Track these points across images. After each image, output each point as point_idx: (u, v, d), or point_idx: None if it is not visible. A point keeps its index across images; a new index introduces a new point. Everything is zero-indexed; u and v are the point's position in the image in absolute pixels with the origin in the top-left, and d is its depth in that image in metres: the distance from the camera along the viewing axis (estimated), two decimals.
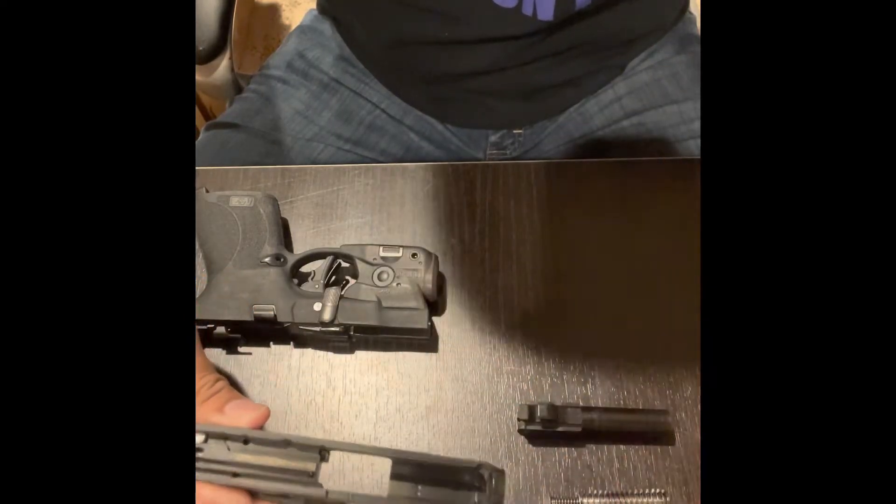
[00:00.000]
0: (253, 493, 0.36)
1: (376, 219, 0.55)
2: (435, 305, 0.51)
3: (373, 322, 0.47)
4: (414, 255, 0.49)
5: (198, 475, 0.35)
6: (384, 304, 0.48)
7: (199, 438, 0.35)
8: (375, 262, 0.49)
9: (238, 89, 0.81)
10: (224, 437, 0.36)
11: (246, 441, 0.36)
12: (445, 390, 0.49)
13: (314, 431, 0.47)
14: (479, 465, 0.37)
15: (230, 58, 0.79)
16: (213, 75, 0.79)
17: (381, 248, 0.50)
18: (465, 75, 0.65)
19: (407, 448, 0.46)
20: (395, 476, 0.38)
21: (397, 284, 0.48)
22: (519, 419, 0.45)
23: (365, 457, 0.46)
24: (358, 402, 0.48)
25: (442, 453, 0.46)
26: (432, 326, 0.50)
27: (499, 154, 0.74)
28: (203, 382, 0.40)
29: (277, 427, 0.48)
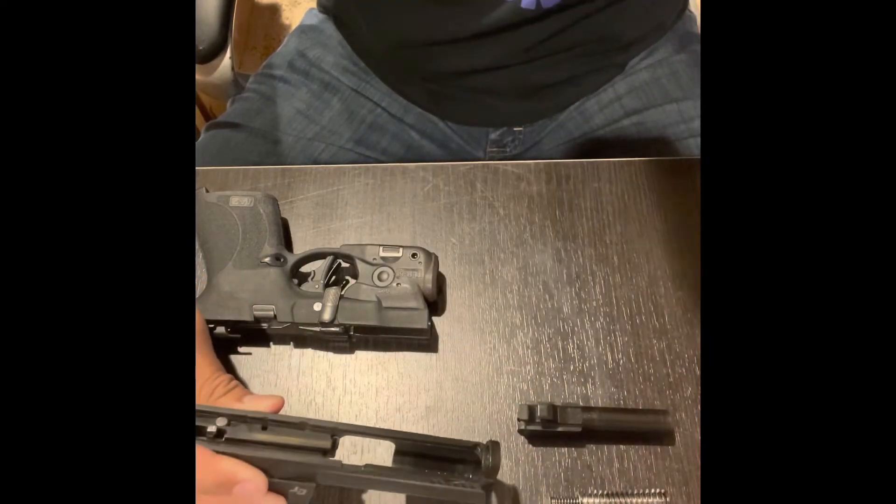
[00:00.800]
0: (269, 475, 0.37)
1: (376, 219, 0.55)
2: (435, 305, 0.51)
3: (373, 322, 0.47)
4: (414, 255, 0.49)
5: (220, 449, 0.36)
6: (384, 304, 0.48)
7: (221, 422, 0.36)
8: (375, 262, 0.49)
9: (238, 89, 0.81)
10: (244, 419, 0.37)
11: (265, 427, 0.37)
12: (445, 390, 0.49)
13: None
14: (476, 445, 0.40)
15: (230, 58, 0.79)
16: (213, 75, 0.79)
17: (381, 248, 0.49)
18: (467, 73, 0.65)
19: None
20: (399, 454, 0.41)
21: (397, 284, 0.48)
22: (519, 419, 0.45)
23: (368, 452, 0.46)
24: (358, 402, 0.48)
25: None
26: (432, 326, 0.50)
27: (499, 152, 0.74)
28: (219, 382, 0.41)
29: None
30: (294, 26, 0.78)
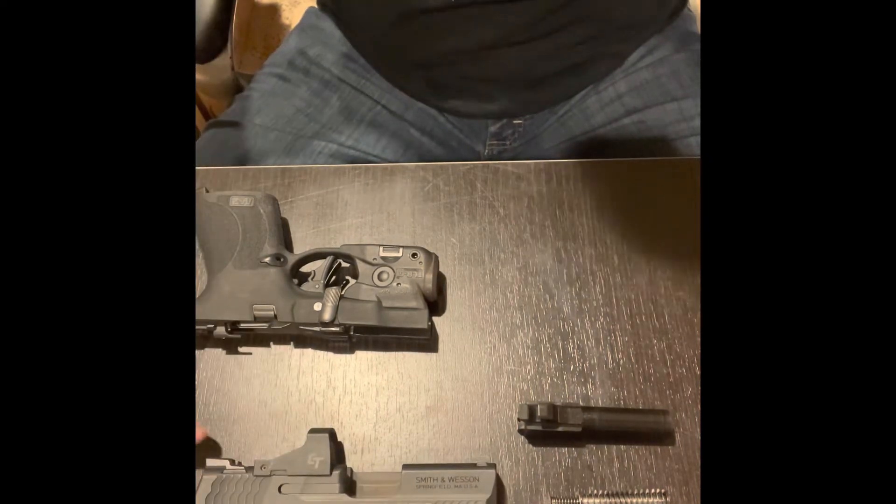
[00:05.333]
0: None
1: (376, 219, 0.55)
2: (435, 305, 0.51)
3: (373, 322, 0.47)
4: (414, 254, 0.49)
5: None
6: (384, 303, 0.48)
7: None
8: (375, 262, 0.49)
9: (238, 89, 0.81)
10: None
11: None
12: (445, 390, 0.49)
13: None
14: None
15: (230, 58, 0.79)
16: (213, 75, 0.79)
17: (381, 248, 0.49)
18: (465, 55, 0.64)
19: (407, 447, 0.47)
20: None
21: (397, 284, 0.48)
22: (519, 419, 0.45)
23: (369, 452, 0.46)
24: (358, 402, 0.48)
25: (442, 453, 0.46)
26: (432, 326, 0.50)
27: (499, 145, 0.73)
28: None
29: (277, 427, 0.48)
30: (294, 26, 0.78)
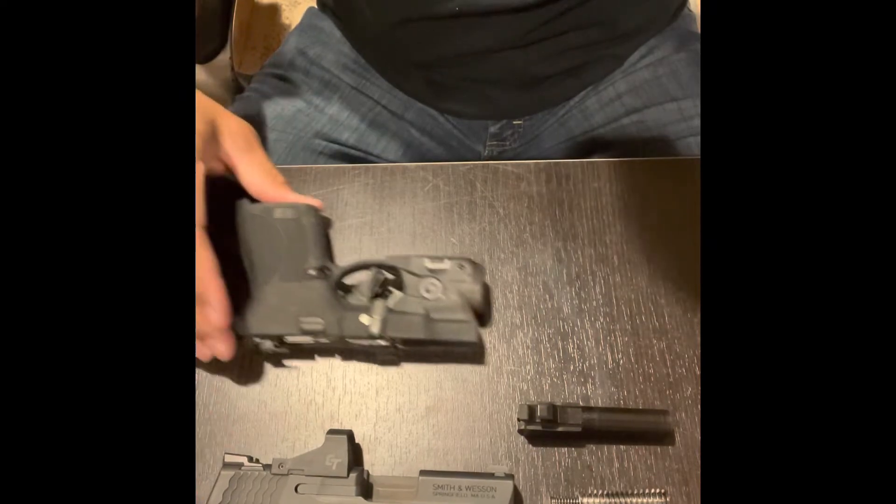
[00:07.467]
0: None
1: (376, 219, 0.55)
2: (482, 317, 0.50)
3: (421, 335, 0.46)
4: (461, 266, 0.47)
5: None
6: (432, 316, 0.46)
7: None
8: (422, 273, 0.47)
9: (238, 89, 0.82)
10: None
11: None
12: (445, 390, 0.49)
13: (314, 431, 0.48)
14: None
15: (230, 58, 0.79)
16: (213, 75, 0.79)
17: (427, 258, 0.48)
18: (465, 57, 0.64)
19: (407, 447, 0.47)
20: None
21: (445, 296, 0.47)
22: (519, 419, 0.45)
23: (368, 453, 0.46)
24: (358, 402, 0.48)
25: (441, 453, 0.46)
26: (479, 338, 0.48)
27: (498, 145, 0.74)
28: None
29: (277, 427, 0.48)
30: (294, 26, 0.78)
